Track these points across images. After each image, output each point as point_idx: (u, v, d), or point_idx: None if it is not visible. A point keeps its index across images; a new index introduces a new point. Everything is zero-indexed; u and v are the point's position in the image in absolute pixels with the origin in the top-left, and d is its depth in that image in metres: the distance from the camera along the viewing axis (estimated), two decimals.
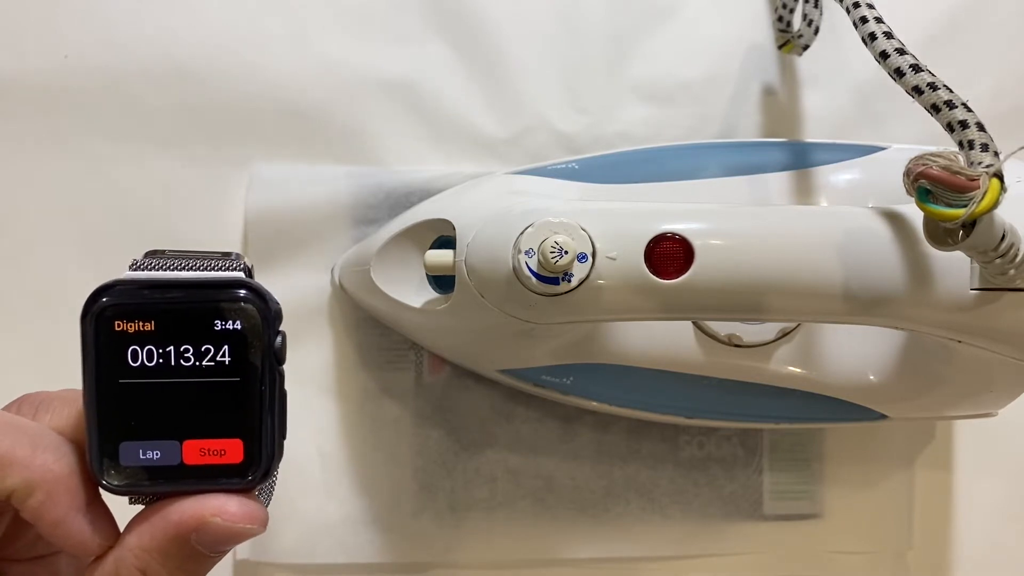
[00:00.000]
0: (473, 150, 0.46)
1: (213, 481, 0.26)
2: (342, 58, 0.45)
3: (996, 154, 0.29)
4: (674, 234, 0.33)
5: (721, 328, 0.41)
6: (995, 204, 0.28)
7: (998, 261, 0.30)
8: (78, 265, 0.44)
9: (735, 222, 0.34)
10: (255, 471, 0.26)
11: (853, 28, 0.33)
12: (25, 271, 0.44)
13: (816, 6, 0.43)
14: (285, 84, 0.45)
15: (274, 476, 0.28)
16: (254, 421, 0.26)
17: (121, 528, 0.27)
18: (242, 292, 0.26)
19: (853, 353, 0.41)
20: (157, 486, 0.26)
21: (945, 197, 0.28)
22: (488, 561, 0.46)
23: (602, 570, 0.46)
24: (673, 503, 0.46)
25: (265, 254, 0.44)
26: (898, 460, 0.47)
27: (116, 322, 0.25)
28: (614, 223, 0.34)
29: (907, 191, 0.30)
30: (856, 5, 0.33)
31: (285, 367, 0.27)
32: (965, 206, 0.28)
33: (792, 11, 0.44)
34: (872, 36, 0.32)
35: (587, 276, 0.33)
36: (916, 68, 0.31)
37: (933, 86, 0.30)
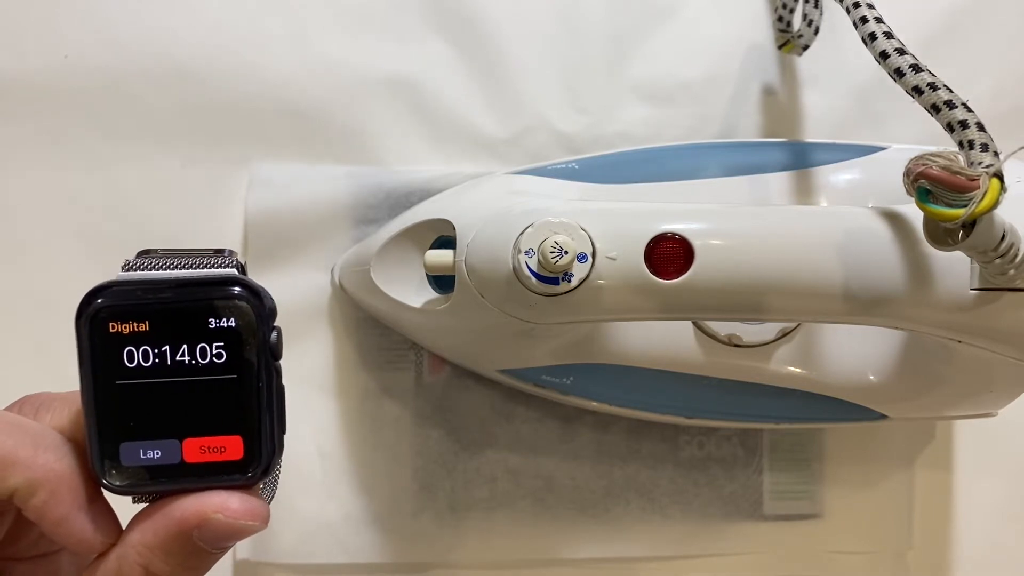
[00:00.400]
0: (473, 150, 0.46)
1: (214, 478, 0.26)
2: (342, 58, 0.45)
3: (996, 154, 0.29)
4: (674, 234, 0.33)
5: (721, 328, 0.41)
6: (995, 204, 0.28)
7: (998, 261, 0.30)
8: (78, 265, 0.44)
9: (735, 222, 0.34)
10: (256, 467, 0.26)
11: (853, 28, 0.33)
12: (25, 271, 0.44)
13: (816, 6, 0.43)
14: (285, 84, 0.45)
15: (276, 472, 0.28)
16: (253, 417, 0.26)
17: (123, 525, 0.27)
18: (235, 289, 0.26)
19: (853, 353, 0.41)
20: (159, 485, 0.26)
21: (945, 197, 0.28)
22: (488, 561, 0.46)
23: (602, 570, 0.46)
24: (673, 503, 0.46)
25: (265, 254, 0.44)
26: (898, 460, 0.47)
27: (111, 323, 0.26)
28: (614, 223, 0.34)
29: (907, 191, 0.30)
30: (856, 5, 0.33)
31: (283, 364, 0.27)
32: (965, 206, 0.28)
33: (792, 11, 0.44)
34: (872, 36, 0.32)
35: (587, 276, 0.33)
36: (916, 68, 0.31)
37: (933, 86, 0.30)
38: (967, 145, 0.29)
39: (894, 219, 0.33)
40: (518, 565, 0.46)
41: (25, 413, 0.28)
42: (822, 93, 0.47)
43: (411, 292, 0.41)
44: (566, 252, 0.33)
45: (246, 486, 0.27)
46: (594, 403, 0.43)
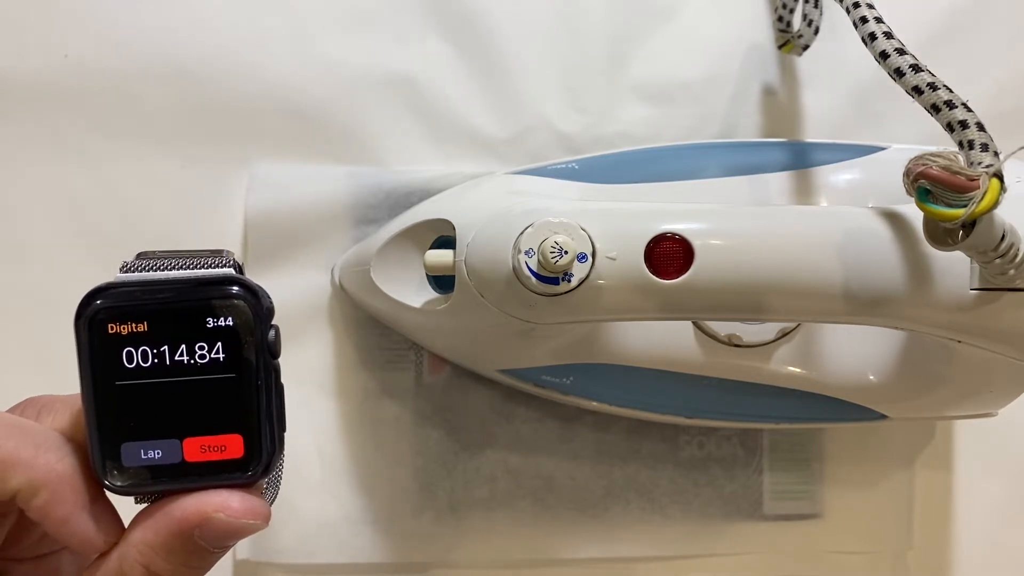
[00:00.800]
0: (473, 150, 0.46)
1: (215, 477, 0.26)
2: (342, 58, 0.45)
3: (996, 154, 0.29)
4: (674, 234, 0.33)
5: (721, 328, 0.41)
6: (995, 204, 0.28)
7: (998, 261, 0.30)
8: (78, 265, 0.44)
9: (735, 222, 0.34)
10: (256, 465, 0.27)
11: (853, 28, 0.33)
12: (25, 271, 0.44)
13: (816, 6, 0.43)
14: (285, 84, 0.45)
15: (278, 470, 0.28)
16: (252, 416, 0.26)
17: (125, 525, 0.27)
18: (233, 289, 0.26)
19: (853, 353, 0.41)
20: (160, 485, 0.26)
21: (945, 197, 0.28)
22: (488, 561, 0.46)
23: (602, 570, 0.46)
24: (673, 503, 0.46)
25: (265, 254, 0.44)
26: (898, 460, 0.47)
27: (109, 325, 0.26)
28: (614, 223, 0.34)
29: (907, 191, 0.30)
30: (856, 5, 0.33)
31: (283, 364, 0.27)
32: (965, 206, 0.28)
33: (792, 11, 0.44)
34: (872, 36, 0.32)
35: (587, 276, 0.33)
36: (916, 68, 0.31)
37: (933, 86, 0.30)
38: (967, 145, 0.29)
39: (894, 219, 0.33)
40: (518, 565, 0.46)
41: (27, 415, 0.28)
42: (822, 93, 0.47)
43: (411, 292, 0.41)
44: (566, 252, 0.33)
45: (247, 485, 0.27)
46: (594, 403, 0.43)
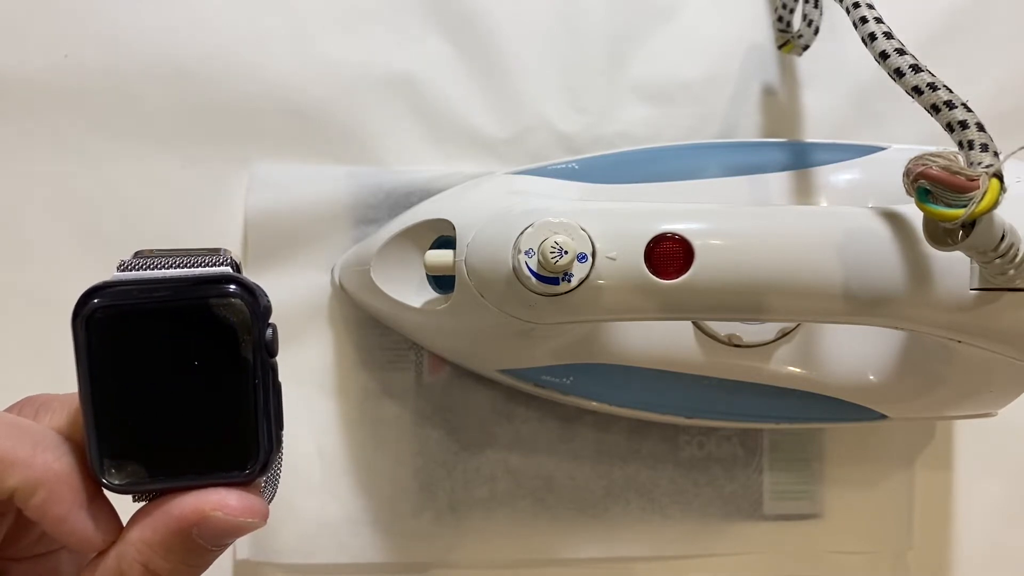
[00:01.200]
0: (473, 150, 0.46)
1: (213, 475, 0.26)
2: (342, 58, 0.45)
3: (996, 154, 0.29)
4: (674, 234, 0.33)
5: (721, 328, 0.41)
6: (995, 204, 0.28)
7: (998, 261, 0.30)
8: (78, 265, 0.44)
9: (735, 222, 0.34)
10: (254, 464, 0.27)
11: (853, 28, 0.33)
12: (25, 271, 0.44)
13: (816, 6, 0.43)
14: (285, 84, 0.45)
15: (275, 468, 0.28)
16: (250, 414, 0.26)
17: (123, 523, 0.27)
18: (231, 287, 0.26)
19: (853, 353, 0.41)
20: (158, 483, 0.26)
21: (945, 197, 0.28)
22: (488, 561, 0.46)
23: (602, 570, 0.46)
24: (673, 503, 0.46)
25: (265, 254, 0.44)
26: (898, 460, 0.47)
27: (107, 323, 0.26)
28: (614, 223, 0.34)
29: (907, 191, 0.30)
30: (856, 5, 0.33)
31: (282, 363, 0.27)
32: (965, 206, 0.28)
33: (792, 11, 0.44)
34: (872, 36, 0.32)
35: (587, 276, 0.33)
36: (916, 68, 0.31)
37: (933, 86, 0.30)
38: (967, 145, 0.29)
39: (894, 219, 0.33)
40: (518, 565, 0.46)
41: (25, 414, 0.28)
42: (822, 93, 0.47)
43: (411, 292, 0.41)
44: (566, 252, 0.33)
45: (245, 483, 0.27)
46: (594, 403, 0.43)
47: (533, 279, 0.33)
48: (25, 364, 0.43)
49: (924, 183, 0.29)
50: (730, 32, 0.47)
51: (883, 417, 0.42)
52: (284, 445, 0.28)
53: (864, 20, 0.33)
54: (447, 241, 0.39)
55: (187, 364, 0.26)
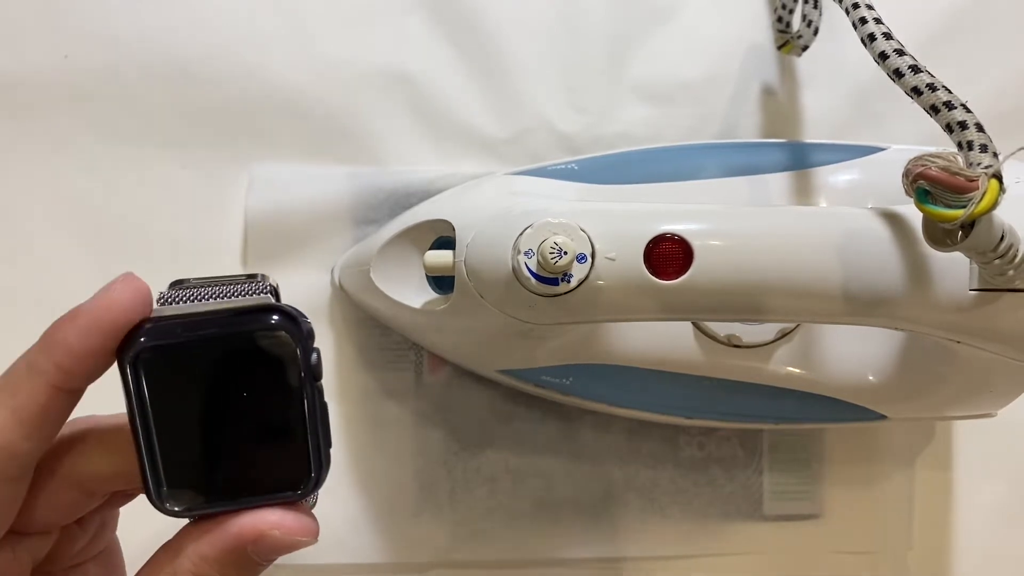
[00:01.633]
0: (473, 150, 0.46)
1: (268, 496, 0.27)
2: (342, 58, 0.45)
3: (995, 155, 0.29)
4: (673, 235, 0.33)
5: (721, 328, 0.41)
6: (994, 205, 0.28)
7: (997, 262, 0.30)
8: (78, 265, 0.44)
9: (735, 222, 0.34)
10: (307, 483, 0.27)
11: (852, 29, 0.33)
12: (25, 271, 0.44)
13: (815, 7, 0.43)
14: (285, 84, 0.45)
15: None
16: (301, 437, 0.27)
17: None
18: (274, 318, 0.26)
19: (853, 353, 0.41)
20: (216, 507, 0.27)
21: (944, 198, 0.28)
22: (488, 561, 0.46)
23: (602, 570, 0.46)
24: (673, 503, 0.46)
25: (265, 254, 0.44)
26: (898, 460, 0.47)
27: (154, 362, 0.26)
28: (613, 224, 0.34)
29: (906, 192, 0.30)
30: (855, 6, 0.33)
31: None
32: (964, 207, 0.28)
33: (792, 11, 0.44)
34: (871, 37, 0.32)
35: (586, 277, 0.33)
36: (915, 69, 0.31)
37: (932, 87, 0.30)
38: (966, 146, 0.29)
39: (893, 220, 0.33)
40: (518, 565, 0.46)
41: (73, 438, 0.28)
42: (822, 93, 0.47)
43: (411, 292, 0.41)
44: (565, 253, 0.33)
45: (297, 501, 0.27)
46: (594, 403, 0.43)
47: (533, 280, 0.33)
48: None
49: (923, 184, 0.29)
50: (730, 32, 0.47)
51: (883, 417, 0.42)
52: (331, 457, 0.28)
53: (863, 21, 0.33)
54: (447, 241, 0.39)
55: (236, 394, 0.26)
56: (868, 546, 0.47)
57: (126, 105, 0.44)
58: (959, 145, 0.29)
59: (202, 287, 0.27)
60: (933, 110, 0.30)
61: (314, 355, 0.26)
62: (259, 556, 0.27)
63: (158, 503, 0.26)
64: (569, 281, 0.33)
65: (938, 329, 0.34)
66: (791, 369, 0.41)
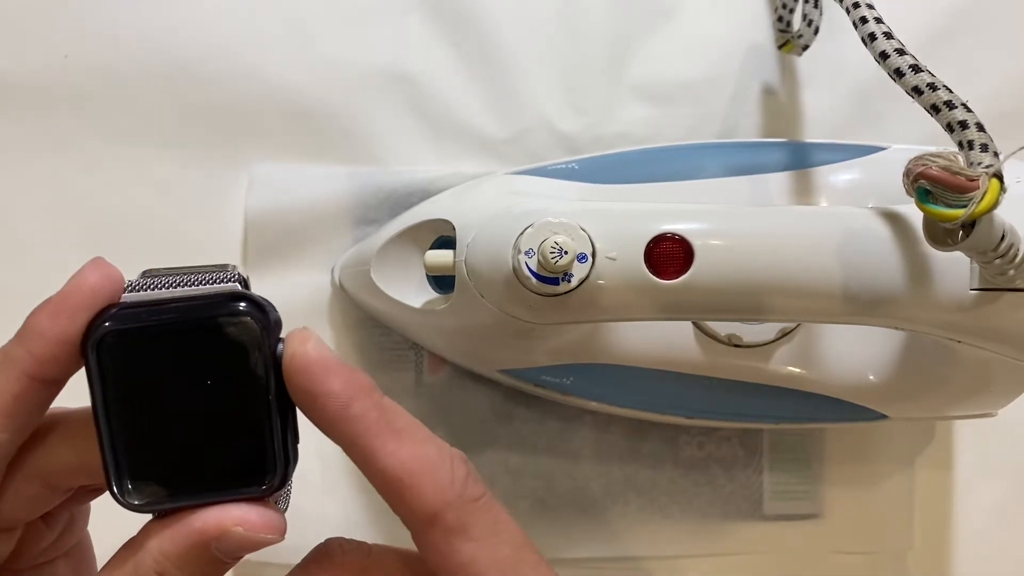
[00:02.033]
0: (473, 150, 0.46)
1: (232, 491, 0.26)
2: (342, 58, 0.45)
3: (996, 154, 0.29)
4: (674, 234, 0.33)
5: (721, 328, 0.41)
6: (995, 204, 0.28)
7: (998, 262, 0.30)
8: (77, 265, 0.44)
9: (735, 222, 0.34)
10: (272, 478, 0.27)
11: (853, 28, 0.33)
12: (25, 271, 0.44)
13: (816, 6, 0.43)
14: (285, 84, 0.45)
15: (289, 483, 0.28)
16: (265, 429, 0.26)
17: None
18: (240, 305, 0.26)
19: (853, 353, 0.41)
20: (178, 500, 0.26)
21: (945, 197, 0.28)
22: None
23: (602, 570, 0.46)
24: (673, 503, 0.46)
25: (265, 254, 0.44)
26: (898, 460, 0.47)
27: (117, 347, 0.25)
28: (614, 223, 0.34)
29: (907, 191, 0.30)
30: (856, 5, 0.33)
31: None
32: (965, 206, 0.28)
33: (792, 11, 0.44)
34: (872, 36, 0.32)
35: (587, 276, 0.33)
36: (916, 68, 0.31)
37: (933, 86, 0.30)
38: (967, 145, 0.29)
39: (894, 219, 0.33)
40: None
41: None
42: (822, 93, 0.47)
43: (411, 292, 0.41)
44: (566, 252, 0.33)
45: (263, 497, 0.27)
46: (594, 403, 0.43)
47: (533, 279, 0.33)
48: None
49: (924, 183, 0.29)
50: (730, 32, 0.47)
51: (883, 417, 0.42)
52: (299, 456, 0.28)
53: (864, 20, 0.33)
54: (447, 241, 0.39)
55: (200, 383, 0.26)
56: (868, 546, 0.47)
57: (126, 105, 0.44)
58: (960, 145, 0.29)
59: (171, 275, 0.27)
60: (934, 109, 0.30)
61: (280, 345, 0.26)
62: (223, 553, 0.26)
63: (120, 497, 0.26)
64: (570, 281, 0.33)
65: (939, 329, 0.34)
66: (791, 369, 0.41)
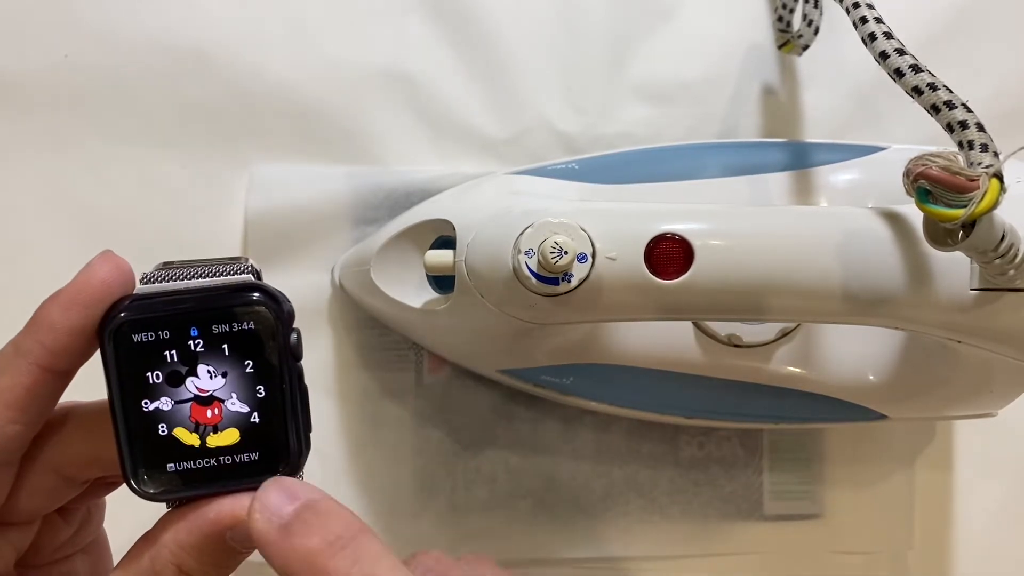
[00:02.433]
0: (473, 150, 0.46)
1: (245, 480, 0.27)
2: (342, 58, 0.45)
3: (996, 154, 0.29)
4: (674, 234, 0.33)
5: (721, 328, 0.41)
6: (995, 204, 0.28)
7: (998, 262, 0.30)
8: (77, 265, 0.44)
9: (735, 222, 0.34)
10: (284, 467, 0.27)
11: (853, 28, 0.33)
12: (25, 271, 0.44)
13: (816, 6, 0.43)
14: (285, 84, 0.45)
15: (301, 473, 0.28)
16: (279, 419, 0.27)
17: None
18: (254, 295, 0.26)
19: (853, 353, 0.41)
20: (192, 490, 0.27)
21: (945, 197, 0.28)
22: None
23: (602, 570, 0.46)
24: (673, 503, 0.46)
25: (265, 254, 0.44)
26: (898, 460, 0.47)
27: (133, 336, 0.26)
28: (614, 223, 0.34)
29: (907, 191, 0.30)
30: (856, 5, 0.33)
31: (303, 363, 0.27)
32: (965, 206, 0.28)
33: (792, 11, 0.44)
34: (872, 36, 0.32)
35: (587, 276, 0.33)
36: (916, 68, 0.31)
37: (933, 86, 0.30)
38: (967, 145, 0.29)
39: (894, 219, 0.33)
40: (518, 565, 0.46)
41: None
42: (822, 93, 0.47)
43: (411, 292, 0.41)
44: (566, 252, 0.33)
45: None
46: (594, 403, 0.43)
47: (533, 279, 0.33)
48: None
49: (924, 183, 0.29)
50: (730, 32, 0.47)
51: (883, 417, 0.42)
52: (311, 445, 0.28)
53: (864, 20, 0.33)
54: (447, 241, 0.39)
55: (215, 372, 0.26)
56: (868, 546, 0.47)
57: (126, 105, 0.44)
58: (960, 145, 0.29)
59: (185, 267, 0.27)
60: (934, 109, 0.30)
61: (294, 335, 0.26)
62: (237, 542, 0.26)
63: (135, 486, 0.26)
64: (569, 281, 0.33)
65: (939, 329, 0.34)
66: (791, 369, 0.41)
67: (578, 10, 0.46)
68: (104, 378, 0.26)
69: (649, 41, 0.47)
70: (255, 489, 0.26)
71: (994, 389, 0.40)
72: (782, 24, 0.44)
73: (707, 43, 0.47)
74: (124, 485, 0.26)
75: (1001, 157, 0.29)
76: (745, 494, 0.46)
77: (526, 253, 0.33)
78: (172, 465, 0.26)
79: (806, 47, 0.44)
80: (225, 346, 0.26)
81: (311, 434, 0.28)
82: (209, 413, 0.26)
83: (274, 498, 0.25)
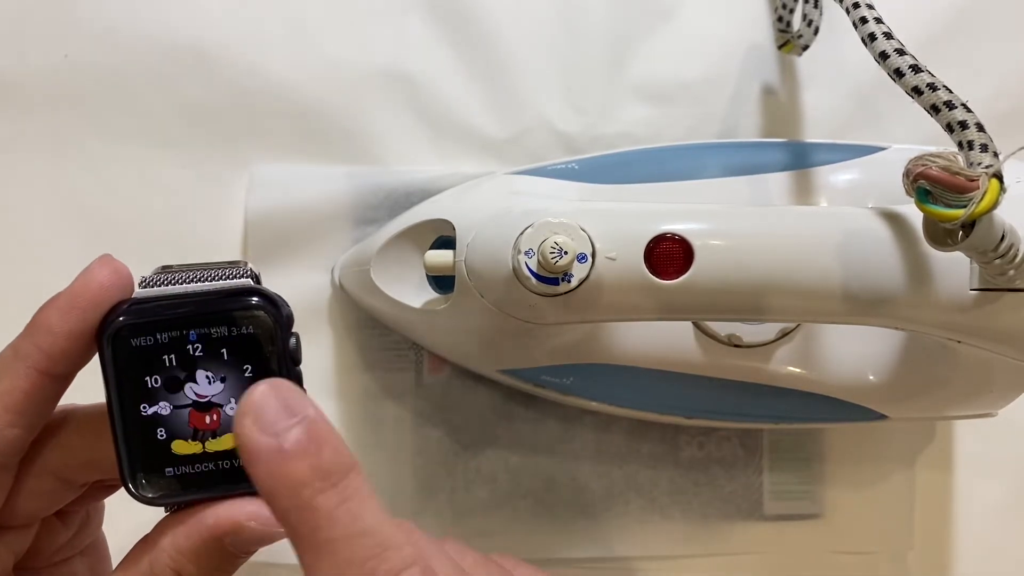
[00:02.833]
0: (473, 150, 0.46)
1: (243, 485, 0.26)
2: (342, 58, 0.45)
3: (996, 154, 0.29)
4: (674, 234, 0.33)
5: (721, 328, 0.41)
6: (994, 204, 0.28)
7: (997, 262, 0.30)
8: (78, 266, 0.44)
9: (735, 222, 0.34)
10: None
11: (853, 28, 0.33)
12: (25, 271, 0.44)
13: (816, 6, 0.43)
14: (285, 84, 0.45)
15: None
16: None
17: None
18: (253, 299, 0.26)
19: (853, 353, 0.41)
20: (190, 495, 0.27)
21: (945, 197, 0.28)
22: None
23: (602, 570, 0.46)
24: (673, 503, 0.46)
25: (265, 254, 0.44)
26: (898, 460, 0.47)
27: (132, 340, 0.26)
28: (614, 223, 0.34)
29: (907, 191, 0.30)
30: (856, 5, 0.33)
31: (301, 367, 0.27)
32: (964, 207, 0.28)
33: (792, 11, 0.44)
34: (872, 36, 0.32)
35: (587, 276, 0.33)
36: (916, 69, 0.31)
37: (933, 87, 0.30)
38: (967, 145, 0.29)
39: (894, 219, 0.33)
40: None
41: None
42: (822, 93, 0.47)
43: (411, 292, 0.41)
44: (566, 252, 0.33)
45: None
46: (594, 403, 0.43)
47: (533, 279, 0.33)
48: None
49: (924, 183, 0.29)
50: (730, 32, 0.47)
51: (883, 417, 0.42)
52: None
53: (864, 20, 0.33)
54: (447, 241, 0.39)
55: (214, 376, 0.26)
56: (868, 546, 0.47)
57: (126, 105, 0.44)
58: (959, 145, 0.29)
59: (184, 271, 0.27)
60: (933, 110, 0.30)
61: (293, 340, 0.26)
62: (236, 548, 0.26)
63: (133, 490, 0.26)
64: (569, 281, 0.33)
65: (939, 329, 0.34)
66: (791, 369, 0.41)
67: (578, 10, 0.46)
68: (102, 382, 0.26)
69: (649, 41, 0.47)
70: (254, 494, 0.26)
71: (994, 389, 0.40)
72: (782, 24, 0.44)
73: (707, 43, 0.47)
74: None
75: (1001, 157, 0.29)
76: (745, 494, 0.46)
77: (526, 253, 0.33)
78: (171, 469, 0.26)
79: (806, 47, 0.44)
80: (224, 350, 0.26)
81: None
82: (208, 419, 0.26)
83: (271, 410, 0.23)
